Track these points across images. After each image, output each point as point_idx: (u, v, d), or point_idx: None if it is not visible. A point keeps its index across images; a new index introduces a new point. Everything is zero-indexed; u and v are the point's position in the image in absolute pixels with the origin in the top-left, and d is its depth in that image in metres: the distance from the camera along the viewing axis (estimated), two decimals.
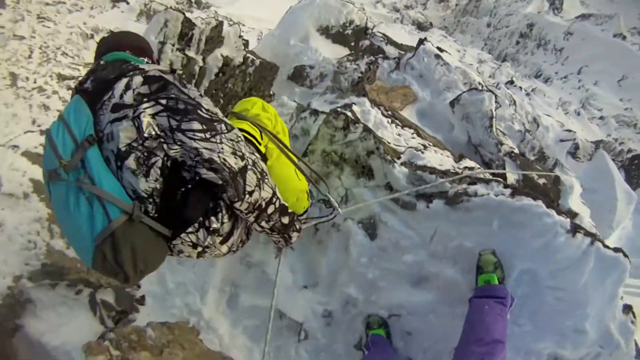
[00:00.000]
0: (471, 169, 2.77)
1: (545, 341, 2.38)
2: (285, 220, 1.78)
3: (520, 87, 10.18)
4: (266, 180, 1.61)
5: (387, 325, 2.61)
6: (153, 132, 1.40)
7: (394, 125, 3.02)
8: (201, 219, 1.54)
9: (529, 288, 2.39)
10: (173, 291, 2.98)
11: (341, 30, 4.68)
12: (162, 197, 1.45)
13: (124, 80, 1.45)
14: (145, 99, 1.41)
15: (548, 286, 2.34)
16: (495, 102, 4.22)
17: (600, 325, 2.38)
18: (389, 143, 2.80)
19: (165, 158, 1.44)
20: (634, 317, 2.54)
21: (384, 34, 5.15)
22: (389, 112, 3.18)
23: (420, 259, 2.54)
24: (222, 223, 1.60)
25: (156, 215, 1.46)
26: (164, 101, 1.42)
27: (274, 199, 1.66)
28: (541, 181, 4.32)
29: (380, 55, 4.57)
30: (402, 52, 4.77)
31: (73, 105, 1.50)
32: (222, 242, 1.66)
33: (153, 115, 1.41)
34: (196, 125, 1.42)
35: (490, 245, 2.40)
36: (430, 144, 3.09)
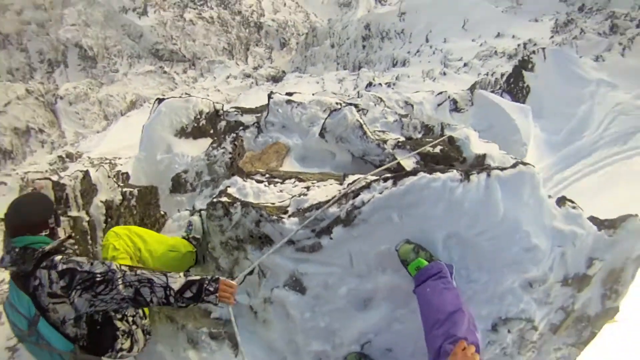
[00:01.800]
0: (355, 181, 2.87)
1: (507, 277, 2.44)
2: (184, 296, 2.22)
3: (380, 83, 10.89)
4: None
5: (366, 355, 2.61)
6: (86, 307, 2.14)
7: (271, 185, 3.10)
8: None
9: (460, 248, 2.47)
10: None
11: (195, 124, 4.80)
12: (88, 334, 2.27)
13: (44, 273, 2.11)
14: (69, 291, 2.09)
15: (475, 234, 2.42)
16: (358, 110, 4.47)
17: (545, 231, 2.47)
18: (273, 204, 2.88)
19: (87, 314, 2.22)
20: (572, 201, 2.67)
21: (236, 107, 5.36)
22: (266, 176, 3.27)
23: (353, 285, 2.59)
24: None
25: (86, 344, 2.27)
26: (79, 287, 2.09)
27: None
28: (438, 149, 4.54)
29: (241, 128, 4.70)
30: (259, 114, 4.97)
31: (15, 292, 2.17)
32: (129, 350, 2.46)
33: (80, 295, 2.10)
34: (101, 288, 2.10)
35: (401, 238, 2.48)
36: (315, 181, 3.19)
